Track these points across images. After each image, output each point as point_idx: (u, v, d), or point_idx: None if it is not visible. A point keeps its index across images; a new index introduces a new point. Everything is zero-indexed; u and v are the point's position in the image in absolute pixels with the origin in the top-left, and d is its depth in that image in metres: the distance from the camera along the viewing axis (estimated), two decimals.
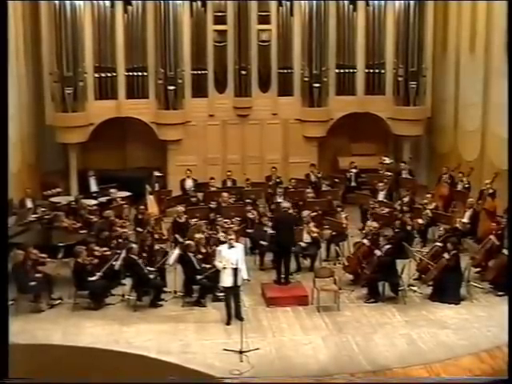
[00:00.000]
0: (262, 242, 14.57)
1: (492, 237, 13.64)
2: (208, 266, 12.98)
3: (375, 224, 14.18)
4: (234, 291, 11.99)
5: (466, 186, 16.71)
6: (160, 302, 12.94)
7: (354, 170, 18.84)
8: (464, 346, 11.24)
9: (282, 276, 13.43)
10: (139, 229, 15.18)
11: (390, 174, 17.84)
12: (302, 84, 19.26)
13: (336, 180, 18.51)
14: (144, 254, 13.11)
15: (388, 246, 13.19)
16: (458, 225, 14.92)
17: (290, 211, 14.36)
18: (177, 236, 14.97)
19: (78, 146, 19.01)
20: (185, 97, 19.07)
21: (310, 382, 10.12)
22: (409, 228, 15.31)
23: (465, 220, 15.20)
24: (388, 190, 17.31)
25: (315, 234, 14.59)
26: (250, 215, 15.60)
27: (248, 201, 16.96)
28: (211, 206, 16.25)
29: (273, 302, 12.87)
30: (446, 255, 13.05)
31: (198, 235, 13.64)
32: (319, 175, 18.21)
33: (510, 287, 12.24)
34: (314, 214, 15.44)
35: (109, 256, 13.36)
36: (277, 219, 13.96)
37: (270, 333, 11.86)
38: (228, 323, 12.08)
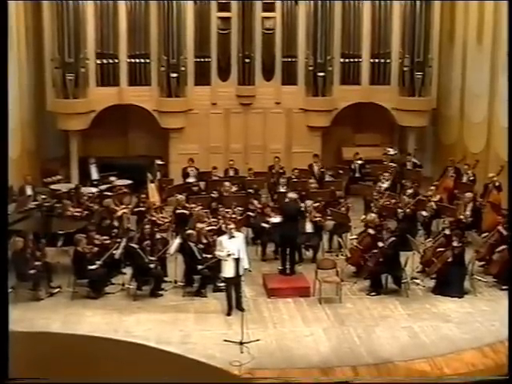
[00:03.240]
0: (263, 225, 14.63)
1: (500, 227, 13.61)
2: (209, 255, 12.99)
3: (374, 216, 14.18)
4: (235, 281, 11.99)
5: (471, 178, 16.69)
6: (160, 292, 12.95)
7: (358, 162, 18.79)
8: (467, 340, 11.23)
9: (287, 267, 13.42)
10: (140, 217, 15.18)
11: (394, 165, 17.81)
12: (306, 73, 19.21)
13: (340, 171, 18.46)
14: (144, 243, 13.10)
15: (391, 239, 13.17)
16: (462, 216, 14.90)
17: (297, 202, 14.34)
18: (178, 225, 14.98)
19: (78, 133, 18.99)
20: (187, 84, 19.03)
21: (310, 382, 10.09)
22: (412, 220, 15.28)
23: (467, 213, 15.16)
24: (392, 182, 17.29)
25: (317, 219, 14.60)
26: (251, 205, 15.57)
27: (250, 191, 16.95)
28: (213, 195, 16.22)
29: (274, 293, 12.87)
30: (451, 247, 13.03)
31: (199, 225, 13.65)
32: (322, 170, 18.17)
33: (510, 283, 12.25)
34: (317, 204, 15.41)
35: (109, 245, 13.37)
36: (283, 209, 13.92)
37: (270, 324, 11.87)
38: (229, 314, 12.08)
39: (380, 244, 13.25)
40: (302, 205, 14.88)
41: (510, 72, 14.93)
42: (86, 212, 15.03)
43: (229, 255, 11.81)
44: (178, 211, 15.39)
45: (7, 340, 7.92)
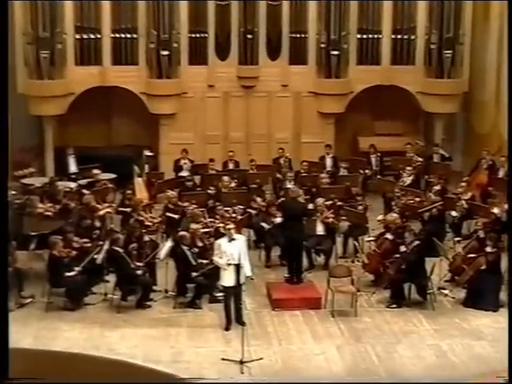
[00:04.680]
0: (263, 224, 14.66)
1: None
2: (205, 261, 12.96)
3: (395, 216, 14.17)
4: (234, 291, 11.97)
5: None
6: (148, 303, 12.94)
7: (377, 153, 18.76)
8: (502, 360, 11.18)
9: (294, 274, 13.44)
10: (125, 217, 15.16)
11: (419, 158, 17.78)
12: (318, 51, 19.17)
13: (357, 164, 18.42)
14: (131, 247, 13.08)
15: (415, 242, 13.14)
16: (497, 212, 14.80)
17: (300, 199, 14.31)
18: (169, 226, 14.96)
19: (54, 119, 18.97)
20: (180, 64, 19.00)
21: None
22: (440, 221, 15.25)
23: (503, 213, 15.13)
24: (416, 177, 17.26)
25: (330, 220, 14.59)
26: (254, 203, 15.55)
27: (253, 186, 16.91)
28: (210, 191, 16.20)
29: (280, 305, 12.85)
30: (485, 253, 13.01)
31: (193, 225, 13.62)
32: (335, 162, 18.16)
33: (510, 286, 12.38)
34: (330, 202, 15.39)
35: (89, 248, 13.34)
36: (284, 208, 13.91)
37: (275, 340, 11.85)
38: (227, 328, 12.08)
39: (402, 248, 13.22)
40: (310, 204, 14.90)
41: (510, 72, 15.05)
42: (62, 210, 15.00)
43: (229, 264, 11.79)
44: (169, 210, 15.36)
45: (7, 340, 8.74)
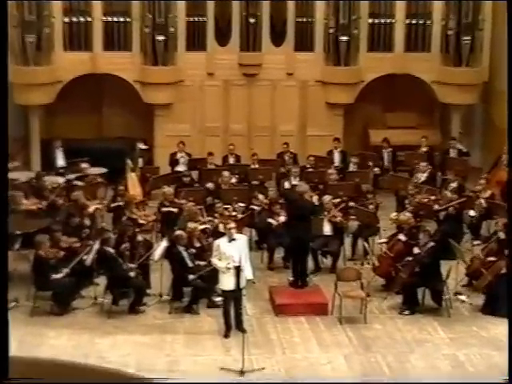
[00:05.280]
0: (270, 221, 14.66)
1: None
2: (203, 262, 12.97)
3: (408, 215, 14.17)
4: (234, 295, 11.97)
5: None
6: (142, 308, 12.94)
7: (389, 148, 18.77)
8: None
9: (299, 277, 13.42)
10: (117, 215, 15.20)
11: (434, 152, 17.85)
12: (326, 37, 19.16)
13: (367, 159, 18.42)
14: (123, 247, 13.08)
15: (430, 244, 13.14)
16: None
17: (307, 197, 14.31)
18: (164, 225, 15.03)
19: (41, 109, 18.97)
20: (177, 50, 19.01)
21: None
22: (457, 221, 15.25)
23: None
24: (432, 173, 17.25)
25: (338, 219, 14.58)
26: (256, 201, 15.56)
27: (255, 182, 16.90)
28: (208, 187, 16.19)
29: (283, 311, 12.86)
30: (505, 255, 13.00)
31: (191, 224, 13.62)
32: (344, 157, 18.17)
33: (509, 286, 12.37)
34: (338, 200, 15.39)
35: (78, 248, 13.36)
36: (290, 206, 13.90)
37: (279, 349, 11.85)
38: (226, 335, 12.08)
39: (416, 250, 13.22)
40: (315, 198, 14.90)
41: (510, 71, 15.10)
42: (49, 207, 15.02)
43: (228, 268, 11.79)
44: (164, 207, 15.37)
45: (7, 340, 8.94)
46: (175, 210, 15.22)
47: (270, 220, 14.83)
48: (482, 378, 11.07)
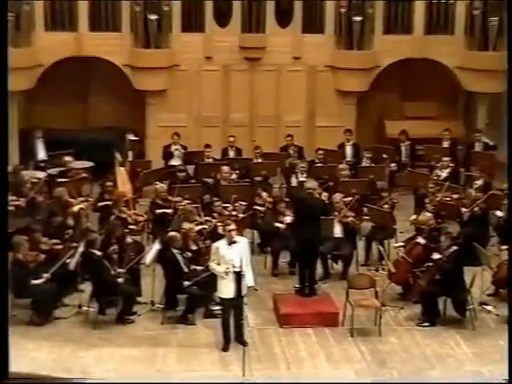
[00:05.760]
0: (277, 225, 14.66)
1: None
2: (199, 267, 12.99)
3: (428, 215, 14.15)
4: (234, 304, 11.96)
5: None
6: (131, 317, 12.93)
7: (407, 140, 18.79)
8: None
9: (307, 285, 13.42)
10: (104, 214, 15.17)
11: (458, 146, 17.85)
12: (337, 17, 19.21)
13: (383, 154, 18.44)
14: (110, 250, 13.08)
15: (453, 248, 13.12)
16: None
17: (317, 194, 14.31)
18: (156, 225, 15.02)
19: (20, 96, 18.94)
20: (172, 31, 19.03)
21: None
22: (483, 223, 15.24)
23: None
24: (454, 169, 17.24)
25: (350, 219, 14.58)
26: (259, 199, 15.56)
27: (258, 178, 16.89)
28: (206, 183, 16.19)
29: (289, 321, 12.85)
30: None
31: (186, 225, 13.63)
32: (357, 151, 18.17)
33: (510, 289, 12.49)
34: (349, 199, 15.38)
35: (61, 251, 13.35)
36: (297, 205, 13.89)
37: (283, 364, 11.85)
38: (225, 349, 12.07)
39: (436, 255, 13.20)
40: (324, 197, 14.89)
41: (510, 72, 15.12)
42: (28, 205, 15.02)
43: (227, 273, 11.78)
44: (157, 207, 15.36)
45: (7, 340, 9.40)
46: (170, 211, 15.15)
47: (276, 224, 14.78)
48: None
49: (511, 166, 14.70)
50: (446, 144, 18.52)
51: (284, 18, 19.40)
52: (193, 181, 16.89)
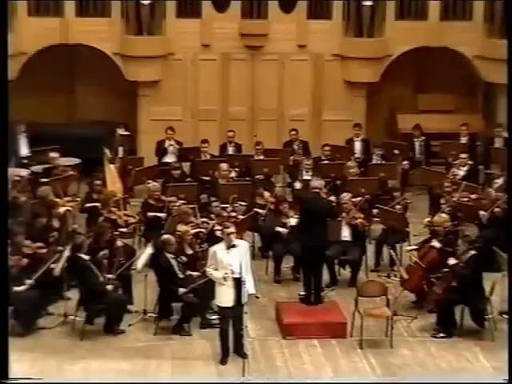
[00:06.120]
0: (278, 229, 14.67)
1: None
2: (195, 273, 13.00)
3: (444, 217, 14.15)
4: (233, 313, 11.95)
5: None
6: (121, 327, 12.91)
7: (421, 136, 18.80)
8: None
9: (312, 292, 13.40)
10: (92, 215, 15.19)
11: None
12: (346, 2, 19.20)
13: (395, 150, 18.43)
14: (101, 254, 13.06)
15: (471, 253, 13.11)
16: None
17: (323, 194, 14.31)
18: (149, 227, 15.03)
19: None
20: (166, 17, 19.02)
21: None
22: (503, 225, 15.22)
23: None
24: (473, 167, 17.23)
25: (359, 221, 14.57)
26: (260, 199, 15.57)
27: (259, 177, 16.89)
28: (203, 182, 16.18)
29: (292, 332, 12.84)
30: None
31: (181, 227, 13.63)
32: (367, 147, 18.18)
33: (510, 290, 12.55)
34: (359, 199, 15.38)
35: (45, 255, 13.34)
36: (302, 206, 13.89)
37: (287, 377, 11.81)
38: (223, 361, 12.07)
39: (452, 261, 13.19)
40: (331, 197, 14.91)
41: (510, 73, 15.17)
42: (10, 205, 14.99)
43: (225, 279, 11.77)
44: (149, 207, 15.36)
45: (7, 340, 9.69)
46: (163, 215, 15.12)
47: (278, 229, 14.78)
48: None
49: (511, 165, 14.71)
50: (463, 139, 18.50)
51: (288, 3, 19.38)
52: (188, 179, 16.88)
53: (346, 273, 14.67)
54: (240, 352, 11.99)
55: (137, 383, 11.30)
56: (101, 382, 11.34)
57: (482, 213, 15.34)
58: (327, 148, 17.89)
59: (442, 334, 12.94)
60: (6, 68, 10.26)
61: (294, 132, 18.45)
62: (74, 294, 13.22)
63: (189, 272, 13.03)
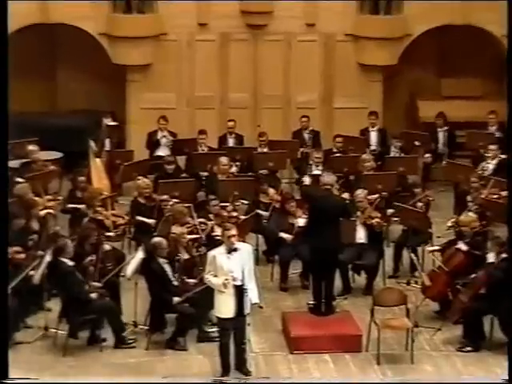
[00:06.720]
0: (282, 235, 14.69)
1: None
2: (192, 280, 13.01)
3: (472, 216, 14.15)
4: (235, 325, 11.93)
5: None
6: (103, 336, 12.91)
7: (445, 125, 18.82)
8: None
9: (323, 301, 13.41)
10: (76, 215, 15.21)
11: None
12: None
13: (415, 141, 18.43)
14: (87, 260, 13.08)
15: (501, 256, 13.09)
16: None
17: (336, 191, 14.32)
18: (140, 229, 15.07)
19: None
20: None
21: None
22: None
23: None
24: (503, 160, 17.23)
25: (375, 221, 14.59)
26: (264, 197, 15.58)
27: (263, 172, 16.90)
28: (200, 178, 16.20)
29: (301, 346, 12.84)
30: None
31: (176, 228, 13.65)
32: (384, 138, 18.20)
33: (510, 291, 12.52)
34: (375, 196, 15.39)
35: (23, 260, 13.33)
36: (312, 205, 13.89)
37: None
38: None
39: (492, 258, 13.14)
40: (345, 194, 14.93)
41: (510, 71, 15.20)
42: None
43: (225, 286, 11.74)
44: (139, 206, 15.36)
45: (7, 340, 10.21)
46: (151, 221, 15.13)
47: (282, 234, 14.78)
48: None
49: (511, 164, 14.76)
50: (492, 129, 18.48)
51: None
52: (184, 175, 16.89)
53: (360, 279, 14.69)
54: (242, 369, 12.01)
55: (137, 383, 11.53)
56: (101, 382, 11.56)
57: None
58: (339, 139, 17.89)
59: (468, 348, 12.92)
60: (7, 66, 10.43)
61: (305, 119, 18.47)
62: (55, 305, 13.26)
63: (184, 279, 13.03)
